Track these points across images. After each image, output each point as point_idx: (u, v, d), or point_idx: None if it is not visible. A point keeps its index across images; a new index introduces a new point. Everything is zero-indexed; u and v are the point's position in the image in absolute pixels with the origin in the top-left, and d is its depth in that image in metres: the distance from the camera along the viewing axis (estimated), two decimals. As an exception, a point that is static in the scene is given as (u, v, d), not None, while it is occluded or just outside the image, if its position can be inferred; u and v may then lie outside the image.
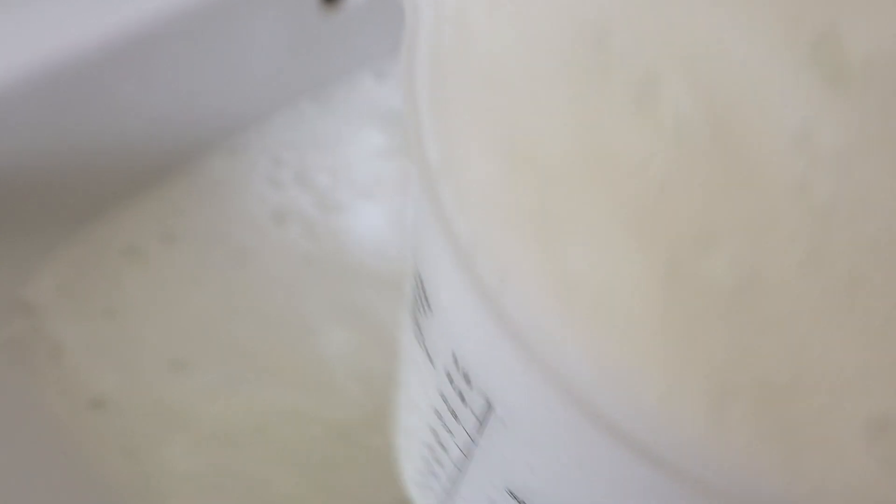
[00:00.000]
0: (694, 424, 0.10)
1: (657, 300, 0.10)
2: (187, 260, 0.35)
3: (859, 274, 0.10)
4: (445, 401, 0.16)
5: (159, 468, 0.31)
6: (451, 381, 0.15)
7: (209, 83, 0.35)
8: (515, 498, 0.16)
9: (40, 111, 0.29)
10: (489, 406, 0.14)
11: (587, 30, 0.11)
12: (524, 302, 0.11)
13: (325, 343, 0.35)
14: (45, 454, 0.30)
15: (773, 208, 0.11)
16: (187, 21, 0.31)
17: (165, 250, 0.35)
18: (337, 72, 0.41)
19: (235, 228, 0.36)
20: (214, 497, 0.32)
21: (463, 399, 0.15)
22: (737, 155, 0.11)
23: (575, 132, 0.11)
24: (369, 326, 0.36)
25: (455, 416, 0.16)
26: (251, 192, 0.37)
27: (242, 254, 0.36)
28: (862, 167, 0.11)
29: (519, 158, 0.11)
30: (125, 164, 0.35)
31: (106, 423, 0.32)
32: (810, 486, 0.10)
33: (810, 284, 0.10)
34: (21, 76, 0.28)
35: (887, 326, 0.10)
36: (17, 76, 0.28)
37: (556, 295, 0.11)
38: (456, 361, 0.14)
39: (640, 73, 0.11)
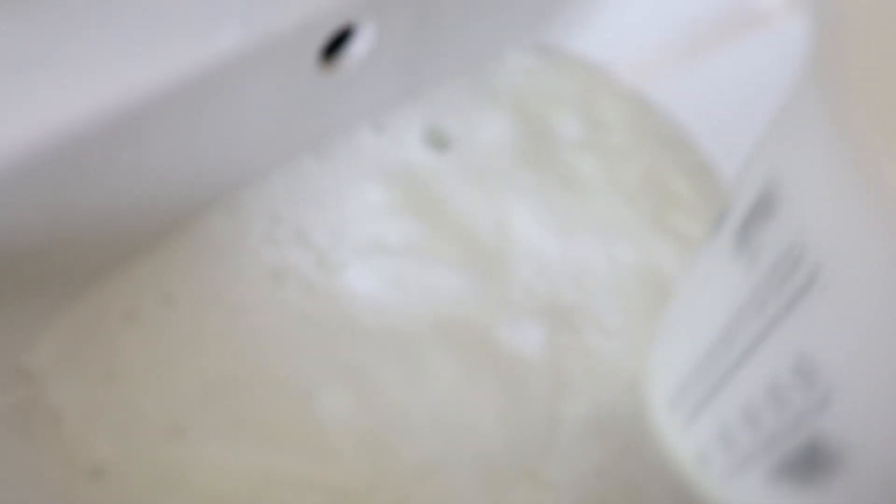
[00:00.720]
0: None
1: None
2: (186, 321, 0.36)
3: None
4: (756, 293, 0.20)
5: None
6: (774, 271, 0.19)
7: (207, 143, 0.35)
8: (801, 374, 0.19)
9: (38, 182, 0.30)
10: (812, 280, 0.18)
11: None
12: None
13: (324, 406, 0.36)
14: None
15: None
16: (184, 85, 0.32)
17: (164, 312, 0.36)
18: (336, 126, 0.42)
19: (234, 288, 0.37)
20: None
21: (782, 282, 0.19)
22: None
23: None
24: (368, 387, 0.36)
25: (763, 304, 0.20)
26: (249, 251, 0.38)
27: (241, 314, 0.36)
28: None
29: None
30: (123, 228, 0.35)
31: (105, 492, 0.32)
32: None
33: None
34: (18, 150, 0.28)
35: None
36: (14, 150, 0.28)
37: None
38: (791, 249, 0.18)
39: None
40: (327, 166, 0.41)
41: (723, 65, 0.47)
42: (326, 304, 0.38)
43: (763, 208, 0.20)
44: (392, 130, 0.43)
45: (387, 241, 0.40)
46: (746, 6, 0.46)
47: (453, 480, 0.36)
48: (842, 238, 0.17)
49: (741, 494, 0.23)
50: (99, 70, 0.29)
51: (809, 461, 0.19)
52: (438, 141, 0.44)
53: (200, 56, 0.31)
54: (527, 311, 0.40)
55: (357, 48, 0.38)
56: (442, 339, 0.38)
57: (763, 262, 0.20)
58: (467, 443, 0.37)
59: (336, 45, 0.37)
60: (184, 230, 0.38)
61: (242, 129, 0.36)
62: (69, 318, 0.35)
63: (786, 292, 0.19)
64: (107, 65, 0.30)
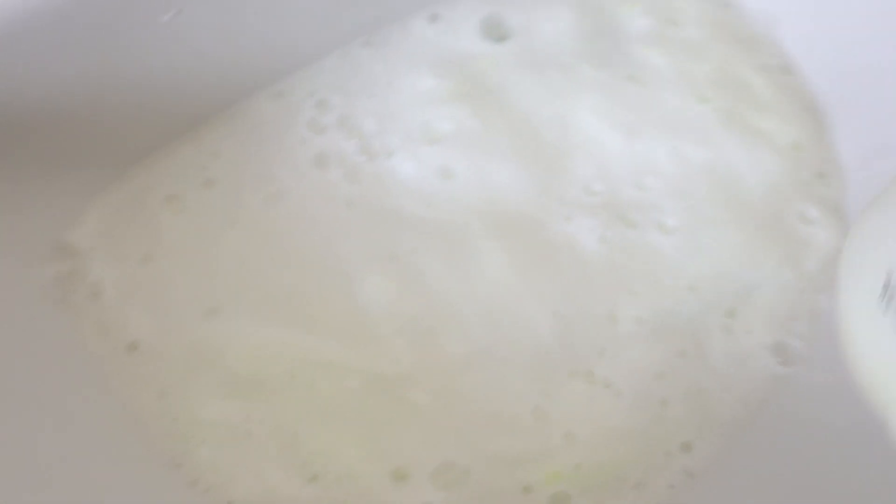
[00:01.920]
0: None
1: None
2: (225, 204, 0.35)
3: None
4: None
5: (189, 412, 0.31)
6: None
7: (255, 22, 0.34)
8: None
9: (85, 36, 0.29)
10: None
11: None
12: None
13: (365, 291, 0.35)
14: (82, 392, 0.31)
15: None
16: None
17: (204, 195, 0.35)
18: (390, 15, 0.40)
19: (276, 172, 0.36)
20: (241, 445, 0.32)
21: None
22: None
23: None
24: (412, 275, 0.35)
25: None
26: (294, 136, 0.37)
27: (282, 198, 0.36)
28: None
29: None
30: (168, 107, 0.35)
31: (140, 365, 0.32)
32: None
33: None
34: None
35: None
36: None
37: None
38: None
39: None
40: (379, 54, 0.40)
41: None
42: (370, 189, 0.36)
43: None
44: (448, 20, 0.42)
45: (436, 130, 0.38)
46: None
47: (499, 372, 0.34)
48: None
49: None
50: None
51: None
52: (497, 32, 0.42)
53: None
54: (585, 207, 0.38)
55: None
56: (492, 231, 0.37)
57: None
58: (515, 336, 0.35)
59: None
60: (228, 113, 0.37)
61: (293, 10, 0.35)
62: (112, 197, 0.35)
63: None
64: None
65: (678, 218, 0.39)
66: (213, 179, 0.36)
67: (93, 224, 0.34)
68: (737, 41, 0.44)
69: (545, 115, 0.40)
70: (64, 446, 0.29)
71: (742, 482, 0.33)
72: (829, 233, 0.40)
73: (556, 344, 0.35)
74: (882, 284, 0.25)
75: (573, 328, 0.36)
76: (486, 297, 0.36)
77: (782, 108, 0.43)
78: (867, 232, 0.32)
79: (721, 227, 0.39)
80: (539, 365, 0.35)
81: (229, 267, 0.34)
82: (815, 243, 0.40)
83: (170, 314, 0.33)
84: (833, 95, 0.44)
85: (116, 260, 0.33)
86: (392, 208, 0.36)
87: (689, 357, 0.36)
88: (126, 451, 0.31)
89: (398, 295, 0.35)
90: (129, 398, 0.31)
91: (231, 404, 0.32)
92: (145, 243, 0.34)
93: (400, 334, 0.35)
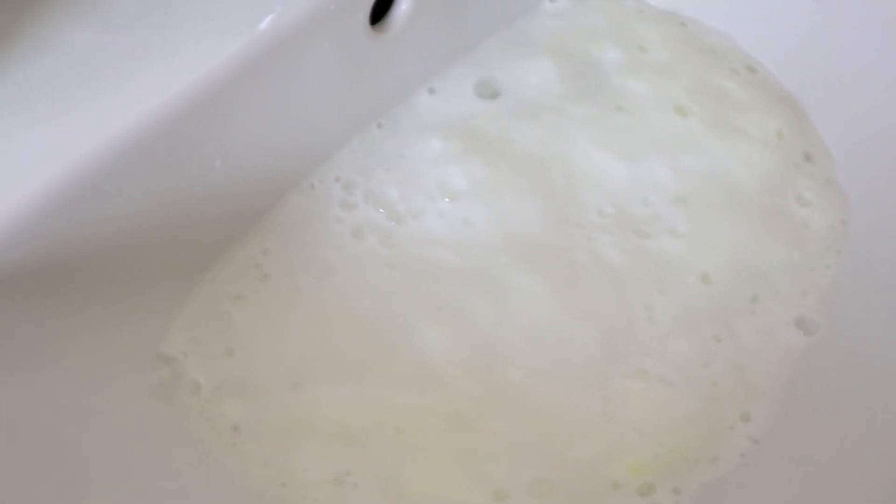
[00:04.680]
0: None
1: None
2: (283, 291, 0.40)
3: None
4: None
5: (294, 476, 0.36)
6: None
7: (281, 121, 0.40)
8: None
9: (144, 170, 0.34)
10: None
11: None
12: None
13: (423, 341, 0.39)
14: (196, 474, 0.35)
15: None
16: (252, 65, 0.36)
17: (262, 288, 0.41)
18: (395, 95, 0.46)
19: (319, 254, 0.41)
20: (349, 498, 0.36)
21: None
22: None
23: None
24: (460, 319, 0.40)
25: None
26: (328, 219, 0.42)
27: (329, 274, 0.41)
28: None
29: None
30: (219, 221, 0.40)
31: (244, 443, 0.36)
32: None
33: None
34: (122, 139, 0.33)
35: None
36: (120, 140, 0.33)
37: None
38: None
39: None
40: (390, 132, 0.45)
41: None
42: (404, 249, 0.42)
43: None
44: (445, 91, 0.47)
45: (453, 184, 0.43)
46: None
47: (561, 388, 0.39)
48: None
49: None
50: (166, 61, 0.34)
51: None
52: (489, 91, 0.48)
53: (257, 33, 0.36)
54: (601, 228, 0.43)
55: (401, 8, 0.42)
56: (522, 264, 0.42)
57: None
58: (567, 353, 0.40)
59: (382, 11, 0.42)
60: (271, 213, 0.42)
61: (311, 104, 0.41)
62: (190, 308, 0.40)
63: None
64: (173, 57, 0.34)
65: (685, 223, 0.44)
66: (267, 273, 0.41)
67: (180, 333, 0.39)
68: (702, 54, 0.50)
69: (548, 154, 0.45)
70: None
71: (801, 439, 0.38)
72: (826, 211, 0.45)
73: (605, 352, 0.40)
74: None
75: (617, 335, 0.40)
76: (531, 323, 0.40)
77: (759, 104, 0.48)
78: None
79: (727, 223, 0.44)
80: (595, 374, 0.39)
81: (300, 344, 0.39)
82: (813, 224, 0.45)
83: (260, 394, 0.38)
84: (800, 83, 0.49)
85: (206, 358, 0.38)
86: (427, 262, 0.42)
87: (724, 341, 0.41)
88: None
89: (453, 339, 0.40)
90: (239, 473, 0.36)
91: (330, 462, 0.36)
92: (226, 339, 0.39)
93: (464, 373, 0.39)
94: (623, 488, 0.37)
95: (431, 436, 0.37)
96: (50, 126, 0.32)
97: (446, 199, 0.43)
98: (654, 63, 0.49)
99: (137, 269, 0.36)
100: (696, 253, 0.43)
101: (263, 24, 0.36)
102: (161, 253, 0.37)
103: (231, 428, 0.37)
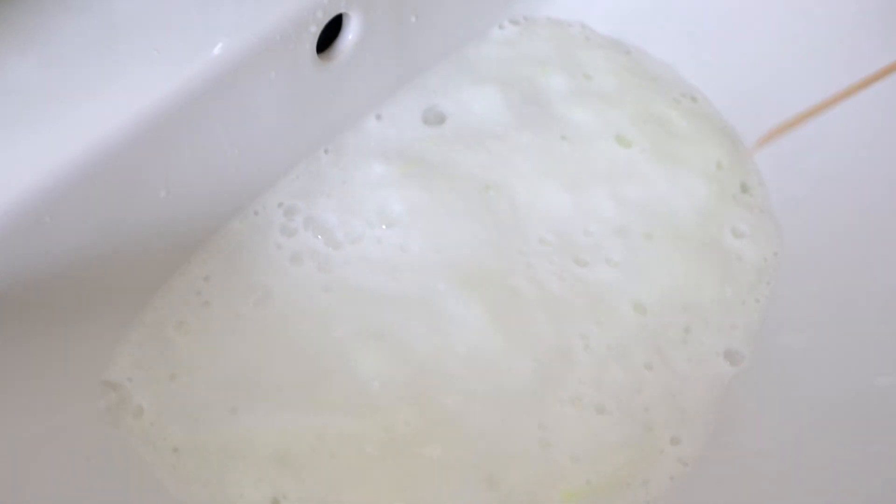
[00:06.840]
0: None
1: None
2: (224, 318, 0.42)
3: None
4: None
5: (231, 499, 0.38)
6: None
7: (226, 148, 0.41)
8: None
9: (87, 202, 0.36)
10: None
11: None
12: None
13: (360, 367, 0.41)
14: (139, 493, 0.38)
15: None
16: (198, 96, 0.38)
17: (204, 314, 0.42)
18: (342, 122, 0.48)
19: (259, 280, 0.43)
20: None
21: None
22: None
23: None
24: (397, 344, 0.42)
25: None
26: (269, 245, 0.44)
27: (269, 299, 0.43)
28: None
29: None
30: (161, 250, 0.42)
31: (184, 464, 0.38)
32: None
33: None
34: (65, 171, 0.34)
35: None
36: (62, 172, 0.34)
37: None
38: None
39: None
40: (335, 157, 0.47)
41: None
42: (342, 275, 0.44)
43: None
44: (392, 117, 0.49)
45: (390, 211, 0.45)
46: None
47: (497, 415, 0.41)
48: None
49: None
50: (110, 93, 0.36)
51: None
52: (434, 117, 0.49)
53: (203, 64, 0.37)
54: (541, 255, 0.45)
55: (348, 37, 0.44)
56: (458, 289, 0.44)
57: None
58: (503, 379, 0.42)
59: (329, 39, 0.43)
60: (212, 240, 0.44)
61: (257, 132, 0.43)
62: (134, 335, 0.42)
63: None
64: (117, 89, 0.36)
65: (623, 254, 0.46)
66: (208, 300, 0.43)
67: (125, 359, 0.41)
68: (645, 82, 0.52)
69: (491, 181, 0.47)
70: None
71: (727, 461, 0.40)
72: (759, 243, 0.48)
73: (542, 379, 0.42)
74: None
75: (553, 362, 0.42)
76: (468, 349, 0.42)
77: (699, 134, 0.51)
78: None
79: (663, 255, 0.47)
80: (531, 400, 0.41)
81: (239, 369, 0.41)
82: (746, 257, 0.47)
83: (200, 418, 0.39)
84: (739, 113, 0.52)
85: (150, 383, 0.40)
86: (365, 288, 0.43)
87: (656, 369, 0.43)
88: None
89: (390, 365, 0.42)
90: (179, 494, 0.38)
91: (266, 485, 0.38)
92: (169, 365, 0.41)
93: (401, 399, 0.41)
94: (555, 514, 0.39)
95: (367, 460, 0.39)
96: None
97: (383, 226, 0.45)
98: (598, 91, 0.51)
99: (82, 298, 0.38)
100: (632, 283, 0.45)
101: (209, 55, 0.37)
102: (105, 281, 0.39)
103: (172, 450, 0.39)
